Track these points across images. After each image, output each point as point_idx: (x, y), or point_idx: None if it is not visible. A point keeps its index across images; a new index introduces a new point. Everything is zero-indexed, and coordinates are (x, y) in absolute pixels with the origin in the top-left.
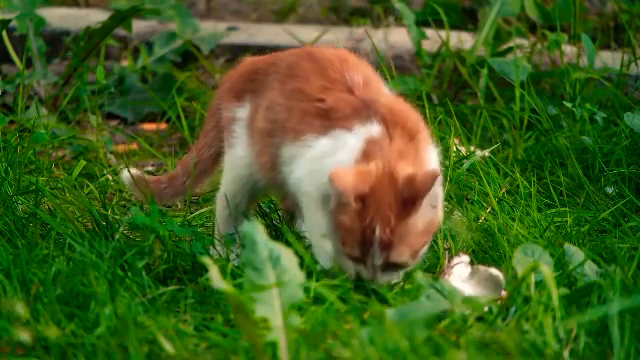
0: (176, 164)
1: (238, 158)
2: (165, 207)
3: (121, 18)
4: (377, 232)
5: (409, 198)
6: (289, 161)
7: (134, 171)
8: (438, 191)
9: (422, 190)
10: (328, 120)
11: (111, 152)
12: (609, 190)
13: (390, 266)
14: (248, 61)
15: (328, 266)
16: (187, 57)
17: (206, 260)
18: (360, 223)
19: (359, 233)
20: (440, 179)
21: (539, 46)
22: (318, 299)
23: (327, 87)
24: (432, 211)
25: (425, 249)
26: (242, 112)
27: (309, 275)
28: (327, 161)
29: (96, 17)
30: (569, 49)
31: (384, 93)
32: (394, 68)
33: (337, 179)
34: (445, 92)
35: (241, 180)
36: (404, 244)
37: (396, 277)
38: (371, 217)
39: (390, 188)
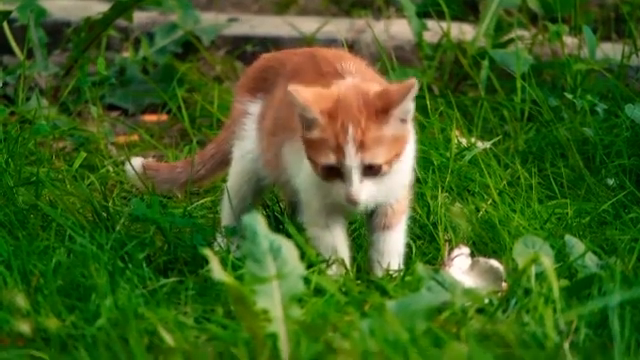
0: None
1: (246, 152)
2: (165, 198)
3: (122, 9)
4: (350, 131)
5: (381, 108)
6: (290, 160)
7: (137, 161)
8: (410, 106)
9: (396, 99)
10: None
11: (112, 143)
12: (610, 182)
13: (367, 171)
14: (265, 57)
15: (327, 256)
16: (188, 48)
17: (207, 252)
18: (331, 130)
19: (332, 137)
20: (414, 92)
21: (540, 37)
22: (319, 291)
23: (318, 80)
24: (402, 125)
25: (398, 163)
26: (254, 108)
27: (310, 267)
28: None
29: (97, 8)
30: (570, 40)
31: (378, 81)
32: (395, 59)
33: (297, 93)
34: (446, 83)
35: (247, 174)
36: (378, 146)
37: (375, 191)
38: (342, 121)
39: (359, 98)
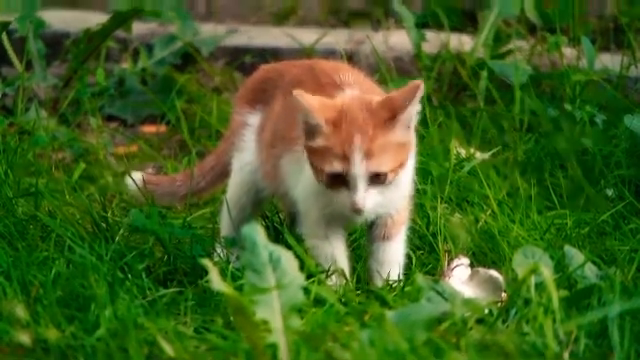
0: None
1: (245, 163)
2: (165, 208)
3: (121, 20)
4: (356, 140)
5: (387, 115)
6: (288, 171)
7: (137, 175)
8: (415, 110)
9: (401, 104)
10: None
11: (111, 154)
12: (609, 192)
13: (373, 180)
14: (264, 68)
15: (327, 267)
16: (187, 59)
17: (206, 262)
18: (336, 138)
19: (338, 146)
20: (420, 94)
21: (539, 48)
22: (318, 301)
23: (317, 91)
24: (407, 132)
25: (402, 172)
26: (253, 119)
27: (309, 277)
28: None
29: (96, 19)
30: (569, 51)
31: (377, 92)
32: (394, 70)
33: (302, 97)
34: (445, 94)
35: (246, 185)
36: (384, 154)
37: (380, 200)
38: (347, 130)
39: (363, 108)
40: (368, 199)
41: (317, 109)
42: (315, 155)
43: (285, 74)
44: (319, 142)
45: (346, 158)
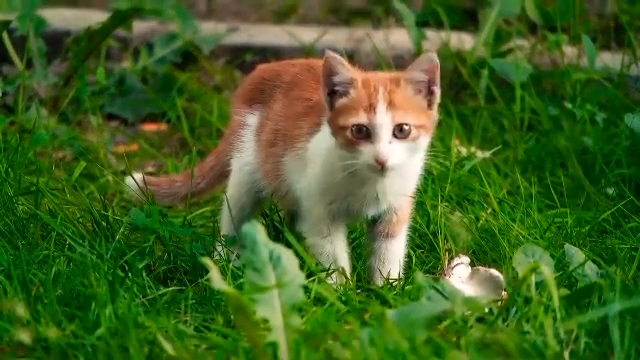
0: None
1: (244, 164)
2: (165, 207)
3: (121, 18)
4: (380, 91)
5: (398, 75)
6: (291, 168)
7: (137, 177)
8: (419, 77)
9: (408, 68)
10: (314, 115)
11: (111, 153)
12: (609, 191)
13: (397, 132)
14: (261, 68)
15: (327, 265)
16: (187, 58)
17: (206, 261)
18: (365, 91)
19: (364, 97)
20: (428, 61)
21: (539, 47)
22: (319, 300)
23: (316, 90)
24: (421, 98)
25: (423, 137)
26: (252, 119)
27: (309, 276)
28: (319, 149)
29: (96, 18)
30: (569, 50)
31: None
32: (394, 68)
33: (333, 55)
34: (445, 93)
35: (246, 185)
36: (406, 108)
37: (404, 158)
38: (374, 85)
39: (380, 74)
40: (392, 153)
41: (349, 66)
42: (341, 114)
43: (283, 74)
44: (349, 97)
45: (372, 108)
